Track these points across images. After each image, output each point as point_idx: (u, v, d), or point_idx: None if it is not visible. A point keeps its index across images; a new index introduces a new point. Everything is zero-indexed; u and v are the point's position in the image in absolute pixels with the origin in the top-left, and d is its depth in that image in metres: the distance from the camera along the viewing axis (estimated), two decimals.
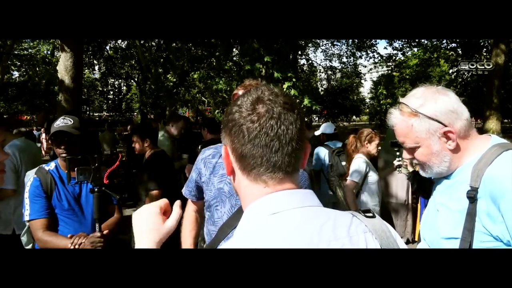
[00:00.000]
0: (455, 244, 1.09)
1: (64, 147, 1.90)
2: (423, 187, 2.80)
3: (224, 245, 0.67)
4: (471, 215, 1.05)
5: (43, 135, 11.46)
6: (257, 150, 0.66)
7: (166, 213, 0.82)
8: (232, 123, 0.68)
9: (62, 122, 1.91)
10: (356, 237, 0.66)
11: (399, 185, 4.53)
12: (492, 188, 1.01)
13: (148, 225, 0.77)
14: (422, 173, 1.24)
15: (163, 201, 0.83)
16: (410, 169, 3.15)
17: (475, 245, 1.06)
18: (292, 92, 5.59)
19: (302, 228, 0.63)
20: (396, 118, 1.20)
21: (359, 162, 3.33)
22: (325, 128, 4.54)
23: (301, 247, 0.61)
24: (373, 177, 3.36)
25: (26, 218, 1.87)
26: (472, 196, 1.05)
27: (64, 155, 1.90)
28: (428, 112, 1.12)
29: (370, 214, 0.71)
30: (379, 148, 3.46)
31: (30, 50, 20.29)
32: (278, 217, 0.65)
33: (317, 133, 4.78)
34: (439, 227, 1.17)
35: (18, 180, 2.87)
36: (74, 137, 1.89)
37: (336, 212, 0.70)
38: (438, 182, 1.25)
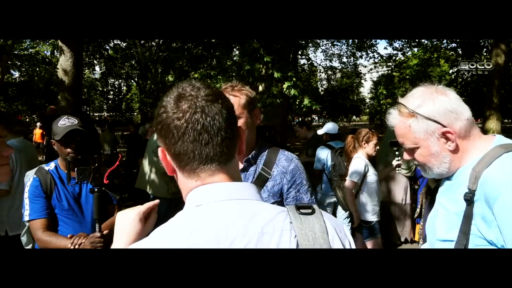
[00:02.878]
0: (450, 247, 1.08)
1: (74, 146, 1.88)
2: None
3: (151, 234, 0.68)
4: (467, 218, 1.04)
5: (38, 127, 11.55)
6: (188, 146, 0.67)
7: (149, 217, 0.86)
8: (160, 125, 0.70)
9: (68, 122, 1.90)
10: (269, 234, 0.64)
11: (398, 185, 4.53)
12: (487, 191, 1.00)
13: (125, 229, 0.81)
14: (423, 173, 1.23)
15: (145, 206, 0.86)
16: (405, 172, 3.14)
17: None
18: (292, 92, 5.57)
19: (213, 223, 0.64)
20: (395, 118, 1.19)
21: (358, 162, 3.33)
22: (328, 128, 4.52)
23: (206, 242, 0.62)
24: (372, 177, 3.35)
25: (26, 218, 1.87)
26: (469, 199, 1.03)
27: (72, 155, 1.88)
28: (426, 113, 1.11)
29: (307, 211, 0.68)
30: (377, 147, 3.46)
31: (30, 50, 20.28)
32: (199, 209, 0.67)
33: (320, 132, 4.74)
34: (436, 228, 1.16)
35: (12, 181, 2.86)
36: (85, 136, 1.89)
37: (264, 207, 0.69)
38: (440, 183, 1.24)
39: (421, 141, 1.14)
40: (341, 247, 0.67)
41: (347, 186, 3.32)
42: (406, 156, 1.23)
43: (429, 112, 1.11)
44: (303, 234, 0.64)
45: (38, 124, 12.62)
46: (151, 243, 0.66)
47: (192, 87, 0.70)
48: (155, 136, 4.20)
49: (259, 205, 0.69)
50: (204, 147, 0.67)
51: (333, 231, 0.68)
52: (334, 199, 3.99)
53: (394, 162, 3.62)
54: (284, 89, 5.66)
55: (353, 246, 0.71)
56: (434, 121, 1.10)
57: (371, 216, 3.33)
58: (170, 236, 0.65)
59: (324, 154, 4.09)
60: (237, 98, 1.46)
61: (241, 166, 1.54)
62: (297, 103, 6.02)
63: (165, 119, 0.68)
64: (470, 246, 1.03)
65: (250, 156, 1.52)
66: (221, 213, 0.66)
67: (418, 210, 3.96)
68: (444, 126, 1.10)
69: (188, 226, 0.64)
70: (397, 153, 3.51)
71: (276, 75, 5.58)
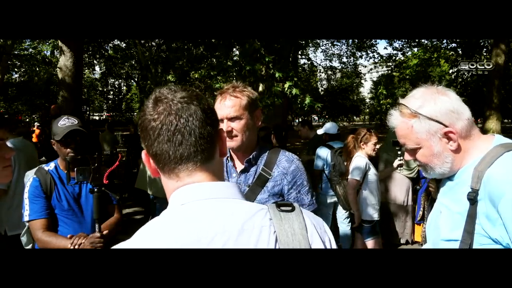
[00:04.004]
0: (454, 246, 1.08)
1: (74, 146, 1.88)
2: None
3: (136, 233, 0.70)
4: (471, 217, 1.04)
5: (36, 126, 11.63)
6: (163, 147, 0.70)
7: None
8: (140, 127, 0.73)
9: (68, 122, 1.89)
10: (249, 230, 0.65)
11: (399, 186, 4.52)
12: (492, 189, 1.00)
13: None
14: (424, 174, 1.23)
15: None
16: (407, 172, 3.15)
17: (475, 248, 1.05)
18: (294, 91, 5.57)
19: (193, 221, 0.66)
20: (396, 119, 1.19)
21: (359, 160, 3.33)
22: (328, 127, 4.50)
23: (185, 240, 0.63)
24: (372, 176, 3.36)
25: (26, 218, 1.86)
26: (472, 198, 1.04)
27: (72, 155, 1.87)
28: (428, 113, 1.11)
29: (287, 208, 0.70)
30: (377, 147, 3.46)
31: (30, 50, 20.28)
32: (183, 208, 0.68)
33: (319, 131, 4.73)
34: (440, 228, 1.16)
35: (10, 180, 2.86)
36: (85, 136, 1.89)
37: (244, 205, 0.71)
38: (442, 183, 1.24)
39: (423, 141, 1.14)
40: (321, 243, 0.68)
41: (349, 184, 3.32)
42: (407, 156, 1.23)
43: (431, 112, 1.11)
44: (282, 230, 0.66)
45: (36, 124, 12.64)
46: (138, 243, 0.67)
47: (169, 90, 0.72)
48: None
49: (239, 203, 0.71)
50: (178, 147, 0.69)
51: (312, 228, 0.69)
52: (334, 199, 3.99)
53: (396, 162, 3.62)
54: (286, 89, 5.66)
55: (333, 243, 0.72)
56: (436, 121, 1.10)
57: (372, 215, 3.33)
58: (153, 236, 0.66)
59: (323, 154, 4.09)
60: (238, 99, 1.46)
61: (242, 166, 1.54)
62: (298, 102, 6.01)
63: (143, 121, 0.72)
64: (475, 245, 1.04)
65: (251, 156, 1.52)
66: (201, 212, 0.67)
67: (420, 212, 3.95)
68: (446, 126, 1.10)
69: (170, 226, 0.66)
70: (399, 153, 3.52)
71: (277, 74, 5.58)
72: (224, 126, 1.45)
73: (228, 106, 1.45)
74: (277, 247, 0.65)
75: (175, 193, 0.72)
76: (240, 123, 1.46)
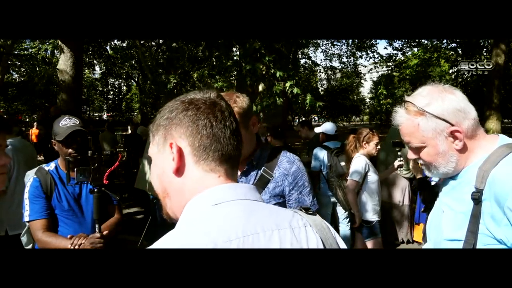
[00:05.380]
0: (457, 246, 1.07)
1: (76, 147, 1.87)
2: (429, 195, 2.77)
3: (166, 235, 0.66)
4: (475, 217, 1.03)
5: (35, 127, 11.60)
6: (212, 139, 0.70)
7: None
8: (186, 118, 0.71)
9: (70, 122, 1.89)
10: (297, 229, 0.69)
11: (396, 187, 4.53)
12: (497, 190, 0.99)
13: None
14: (427, 173, 1.21)
15: None
16: (405, 172, 3.14)
17: (478, 248, 1.04)
18: (295, 90, 5.57)
19: (246, 217, 0.66)
20: (401, 117, 1.17)
21: (359, 162, 3.33)
22: (326, 127, 4.48)
23: (245, 235, 0.63)
24: (373, 176, 3.35)
25: (26, 218, 1.86)
26: (477, 198, 1.03)
27: (75, 155, 1.87)
28: (435, 111, 1.09)
29: (311, 212, 0.75)
30: (379, 147, 3.45)
31: (30, 50, 20.29)
32: (220, 207, 0.67)
33: (317, 130, 4.70)
34: (442, 228, 1.16)
35: (9, 181, 2.86)
36: (86, 137, 1.88)
37: (276, 207, 0.75)
38: (444, 183, 1.23)
39: (429, 140, 1.12)
40: (341, 241, 0.75)
41: (349, 186, 3.31)
42: (411, 155, 1.21)
43: (438, 111, 1.09)
44: (319, 230, 0.71)
45: (35, 124, 12.63)
46: (173, 243, 0.63)
47: (205, 93, 0.75)
48: None
49: (269, 205, 0.74)
50: (226, 146, 0.71)
51: (334, 231, 0.76)
52: (332, 200, 3.99)
53: (396, 163, 3.62)
54: (287, 88, 5.66)
55: (339, 238, 0.77)
56: (443, 119, 1.09)
57: (372, 216, 3.33)
58: (192, 236, 0.63)
59: (321, 155, 4.09)
60: None
61: (243, 168, 1.54)
62: (299, 101, 6.01)
63: (194, 114, 0.71)
64: (479, 245, 1.03)
65: (252, 158, 1.52)
66: (248, 210, 0.68)
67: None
68: (453, 125, 1.09)
69: (220, 222, 0.64)
70: (399, 153, 3.51)
71: (278, 74, 5.57)
72: None
73: None
74: (324, 245, 0.70)
75: (211, 190, 0.69)
76: None
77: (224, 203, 0.67)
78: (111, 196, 1.98)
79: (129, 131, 9.42)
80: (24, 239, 2.13)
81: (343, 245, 0.74)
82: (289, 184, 1.49)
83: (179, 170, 0.71)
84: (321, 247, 0.69)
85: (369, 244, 3.30)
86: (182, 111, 0.72)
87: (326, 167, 3.99)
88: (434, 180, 1.40)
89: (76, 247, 1.74)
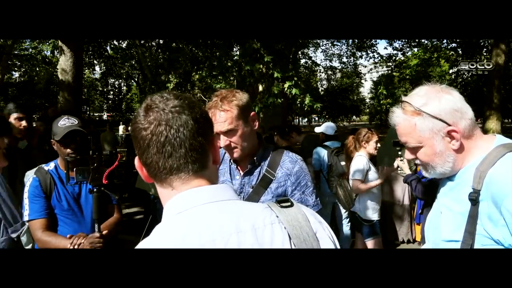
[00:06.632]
0: (455, 247, 1.07)
1: (74, 147, 1.87)
2: (427, 191, 2.77)
3: (140, 243, 0.68)
4: (472, 218, 1.03)
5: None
6: (152, 157, 0.68)
7: None
8: (132, 134, 0.72)
9: (69, 122, 1.89)
10: (261, 229, 0.66)
11: (398, 186, 4.53)
12: (494, 190, 0.99)
13: None
14: (424, 173, 1.21)
15: None
16: (408, 171, 3.15)
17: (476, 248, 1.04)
18: (294, 91, 5.57)
19: (204, 225, 0.65)
20: (398, 117, 1.17)
21: (359, 161, 3.34)
22: (326, 128, 4.49)
23: (200, 245, 0.63)
24: (373, 175, 3.36)
25: (26, 218, 1.86)
26: (474, 198, 1.03)
27: (73, 155, 1.87)
28: (432, 111, 1.09)
29: (287, 204, 0.72)
30: (378, 145, 3.46)
31: (30, 50, 20.27)
32: (181, 216, 0.67)
33: (317, 130, 4.71)
34: (441, 229, 1.15)
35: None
36: (85, 136, 1.88)
37: (247, 204, 0.72)
38: (442, 183, 1.23)
39: (425, 139, 1.12)
40: (322, 230, 0.71)
41: (353, 187, 3.34)
42: (408, 155, 1.21)
43: (435, 111, 1.09)
44: (291, 225, 0.68)
45: (35, 124, 12.61)
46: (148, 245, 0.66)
47: (161, 98, 0.70)
48: None
49: (241, 203, 0.72)
50: (167, 159, 0.68)
51: (312, 218, 0.72)
52: (332, 199, 3.99)
53: (397, 162, 3.62)
54: (286, 89, 5.66)
55: (329, 229, 0.75)
56: (440, 119, 1.09)
57: (372, 215, 3.33)
58: (160, 243, 0.65)
59: (321, 155, 4.10)
60: (229, 112, 1.42)
61: (246, 168, 1.54)
62: (298, 102, 6.02)
63: (135, 129, 0.70)
64: (476, 245, 1.03)
65: (254, 158, 1.52)
66: (208, 215, 0.66)
67: (420, 211, 3.96)
68: (450, 125, 1.09)
69: (176, 233, 0.65)
70: (399, 153, 3.51)
71: (276, 74, 5.58)
72: (221, 141, 1.43)
73: (220, 121, 1.42)
74: (291, 242, 0.66)
75: (171, 201, 0.70)
76: (236, 134, 1.44)
77: (184, 212, 0.67)
78: (110, 196, 1.98)
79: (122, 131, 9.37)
80: (24, 239, 2.13)
81: (328, 237, 0.71)
82: (291, 184, 1.48)
83: (148, 179, 0.75)
84: (287, 245, 0.66)
85: (370, 244, 3.31)
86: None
87: (326, 167, 4.00)
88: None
89: (76, 246, 1.74)
